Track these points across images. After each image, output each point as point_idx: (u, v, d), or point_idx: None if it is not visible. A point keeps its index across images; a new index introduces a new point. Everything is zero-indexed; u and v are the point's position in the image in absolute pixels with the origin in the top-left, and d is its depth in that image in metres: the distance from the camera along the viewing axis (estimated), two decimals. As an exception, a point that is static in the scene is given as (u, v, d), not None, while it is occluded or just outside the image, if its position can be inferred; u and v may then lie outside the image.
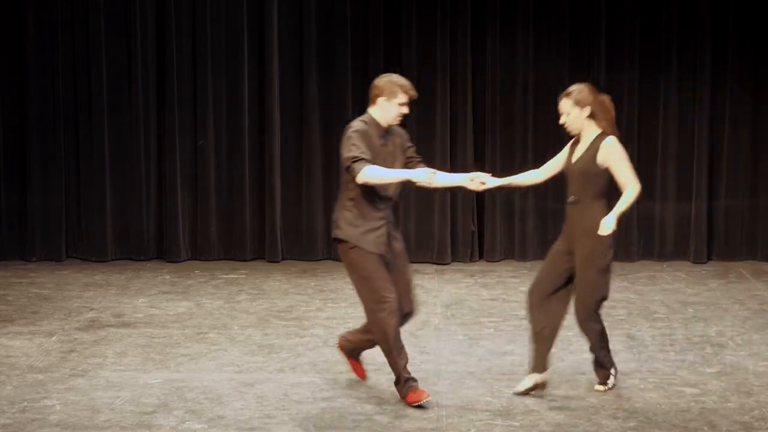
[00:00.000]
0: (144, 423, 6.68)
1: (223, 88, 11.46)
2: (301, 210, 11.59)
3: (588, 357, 8.00)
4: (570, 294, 7.13)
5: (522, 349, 8.24)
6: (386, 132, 7.06)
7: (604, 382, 7.26)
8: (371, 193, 6.92)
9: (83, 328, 8.87)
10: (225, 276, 10.88)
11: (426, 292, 9.97)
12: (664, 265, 11.36)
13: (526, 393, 7.17)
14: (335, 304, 9.71)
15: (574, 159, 7.08)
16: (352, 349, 7.43)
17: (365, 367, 7.54)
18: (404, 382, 7.00)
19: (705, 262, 11.46)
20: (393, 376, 7.17)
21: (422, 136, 10.89)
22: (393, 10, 11.39)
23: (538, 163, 11.46)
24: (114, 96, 11.40)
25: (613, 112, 7.10)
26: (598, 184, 6.99)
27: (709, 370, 7.73)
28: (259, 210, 11.57)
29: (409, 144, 7.22)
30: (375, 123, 7.03)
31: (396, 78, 7.08)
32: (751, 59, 11.40)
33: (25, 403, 7.02)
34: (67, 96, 11.38)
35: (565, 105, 7.08)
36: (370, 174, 6.77)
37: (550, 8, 11.40)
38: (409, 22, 11.37)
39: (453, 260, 11.51)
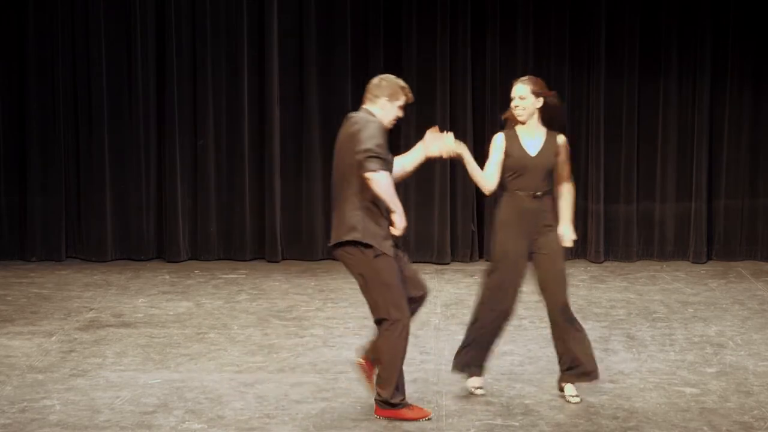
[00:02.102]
0: (144, 423, 6.68)
1: (223, 88, 11.47)
2: (300, 210, 11.59)
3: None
4: None
5: (521, 349, 8.25)
6: None
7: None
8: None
9: (83, 328, 8.87)
10: (225, 276, 10.89)
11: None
12: (664, 265, 11.35)
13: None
14: (335, 304, 9.71)
15: (533, 153, 7.05)
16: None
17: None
18: (397, 404, 6.69)
19: (705, 262, 11.46)
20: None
21: (421, 136, 10.84)
22: (393, 10, 11.39)
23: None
24: (114, 96, 11.41)
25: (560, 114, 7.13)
26: (553, 178, 7.07)
27: (708, 370, 7.73)
28: (258, 210, 11.57)
29: None
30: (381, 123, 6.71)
31: (397, 79, 6.79)
32: (751, 59, 11.41)
33: (25, 403, 7.02)
34: (67, 96, 11.38)
35: (522, 90, 7.01)
36: (383, 181, 6.40)
37: (550, 8, 11.40)
38: (409, 22, 11.37)
39: (453, 260, 11.51)
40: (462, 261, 11.55)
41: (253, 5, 11.39)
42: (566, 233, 7.04)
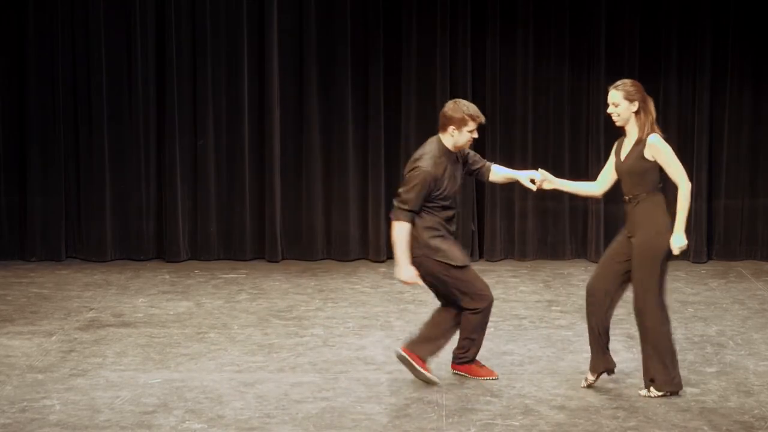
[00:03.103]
0: (144, 423, 6.68)
1: (223, 88, 11.46)
2: (300, 210, 11.59)
3: (587, 357, 8.00)
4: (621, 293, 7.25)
5: (521, 349, 8.26)
6: (456, 156, 7.40)
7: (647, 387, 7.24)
8: (441, 214, 7.28)
9: (83, 327, 8.87)
10: (225, 276, 10.88)
11: (426, 291, 9.95)
12: (664, 265, 11.34)
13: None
14: (335, 304, 9.71)
15: (622, 158, 7.13)
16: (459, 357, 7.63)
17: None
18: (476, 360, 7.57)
19: (705, 262, 11.46)
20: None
21: (421, 136, 10.86)
22: (393, 10, 11.39)
23: (537, 163, 11.54)
24: (114, 96, 11.40)
25: (654, 114, 7.10)
26: (649, 179, 7.04)
27: (709, 370, 7.73)
28: (258, 210, 11.57)
29: (469, 154, 7.58)
30: (446, 150, 7.34)
31: (464, 106, 7.34)
32: (751, 59, 11.41)
33: (25, 403, 7.02)
34: (67, 96, 11.38)
35: (615, 97, 7.06)
36: (400, 229, 7.20)
37: (550, 8, 11.40)
38: (409, 22, 11.38)
39: (453, 260, 11.48)
40: (462, 261, 11.52)
41: (253, 5, 11.38)
42: (673, 241, 7.04)
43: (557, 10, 11.41)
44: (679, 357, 8.02)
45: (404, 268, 7.23)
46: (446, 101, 11.27)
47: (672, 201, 7.09)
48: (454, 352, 7.57)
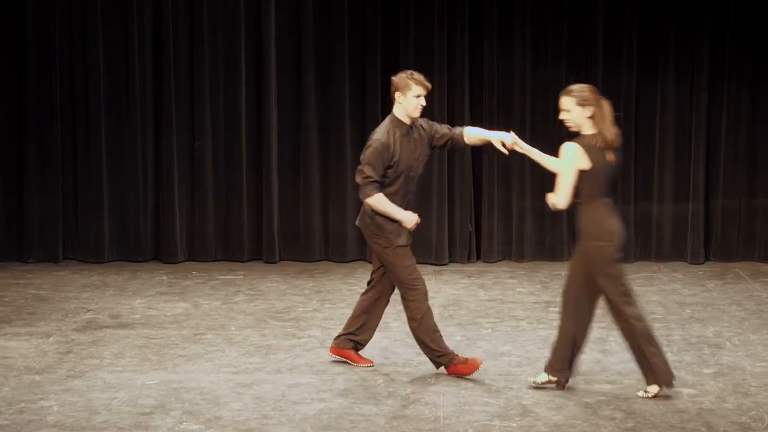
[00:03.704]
0: (141, 424, 6.68)
1: (220, 88, 11.45)
2: (298, 211, 11.58)
3: (585, 357, 8.02)
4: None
5: (519, 350, 8.26)
6: (410, 128, 7.40)
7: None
8: (397, 195, 7.40)
9: (80, 329, 8.87)
10: (222, 277, 10.88)
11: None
12: (661, 266, 11.35)
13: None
14: (332, 305, 9.70)
15: None
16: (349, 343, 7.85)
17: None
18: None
19: (702, 263, 11.46)
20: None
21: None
22: (391, 9, 11.38)
23: (535, 164, 11.56)
24: (111, 97, 11.39)
25: (611, 117, 7.05)
26: (583, 186, 6.97)
27: (706, 371, 7.74)
28: (256, 211, 11.55)
29: (435, 129, 7.55)
30: (398, 122, 7.39)
31: (408, 72, 7.40)
32: (749, 60, 11.40)
33: (22, 404, 7.01)
34: (65, 97, 11.36)
35: (567, 103, 7.03)
36: (376, 201, 7.34)
37: (548, 9, 11.39)
38: (407, 22, 11.36)
39: (450, 261, 11.49)
40: (460, 262, 11.53)
41: (250, 3, 11.36)
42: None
43: (555, 11, 11.40)
44: (677, 358, 8.05)
45: (404, 217, 7.35)
46: (444, 102, 11.45)
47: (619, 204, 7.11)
48: None
